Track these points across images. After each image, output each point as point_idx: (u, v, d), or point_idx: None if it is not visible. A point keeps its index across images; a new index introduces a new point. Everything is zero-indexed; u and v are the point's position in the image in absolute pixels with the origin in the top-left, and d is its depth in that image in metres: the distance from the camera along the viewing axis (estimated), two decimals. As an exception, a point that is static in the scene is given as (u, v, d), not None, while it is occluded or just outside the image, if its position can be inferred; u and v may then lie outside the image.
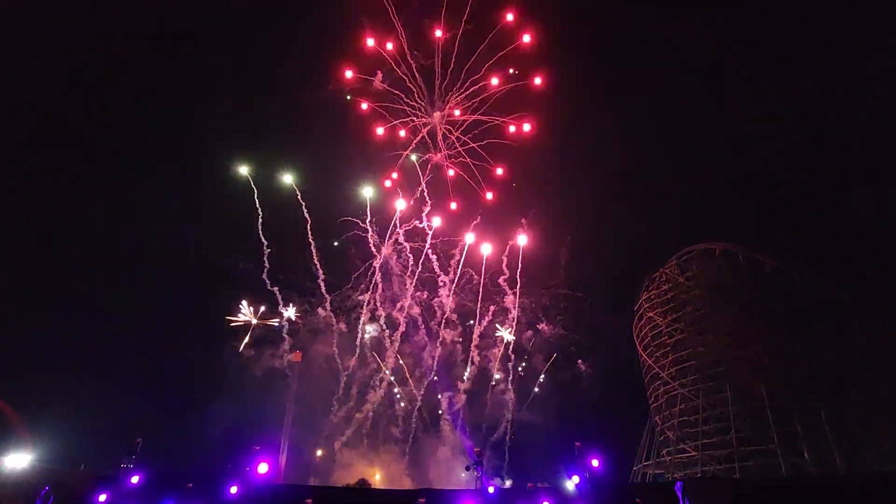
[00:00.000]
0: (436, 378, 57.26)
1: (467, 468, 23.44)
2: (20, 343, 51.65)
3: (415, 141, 58.34)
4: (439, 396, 57.85)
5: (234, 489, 24.61)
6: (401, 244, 57.89)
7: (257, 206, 55.34)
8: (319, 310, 57.74)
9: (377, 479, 53.03)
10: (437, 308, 58.62)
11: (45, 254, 57.69)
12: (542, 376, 60.18)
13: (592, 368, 58.42)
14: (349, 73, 55.86)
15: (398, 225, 57.41)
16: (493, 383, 58.00)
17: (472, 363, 56.84)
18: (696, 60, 64.74)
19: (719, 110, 65.65)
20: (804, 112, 60.29)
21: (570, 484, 22.31)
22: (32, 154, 57.04)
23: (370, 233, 57.23)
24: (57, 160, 57.89)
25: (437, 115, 57.82)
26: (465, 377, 57.25)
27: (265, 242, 55.42)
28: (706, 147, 66.23)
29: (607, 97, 64.72)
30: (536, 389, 59.52)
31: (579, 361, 57.81)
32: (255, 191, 55.52)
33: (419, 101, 57.46)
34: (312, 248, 56.16)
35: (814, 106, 59.20)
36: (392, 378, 58.10)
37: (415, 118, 58.05)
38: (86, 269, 57.82)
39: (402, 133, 58.50)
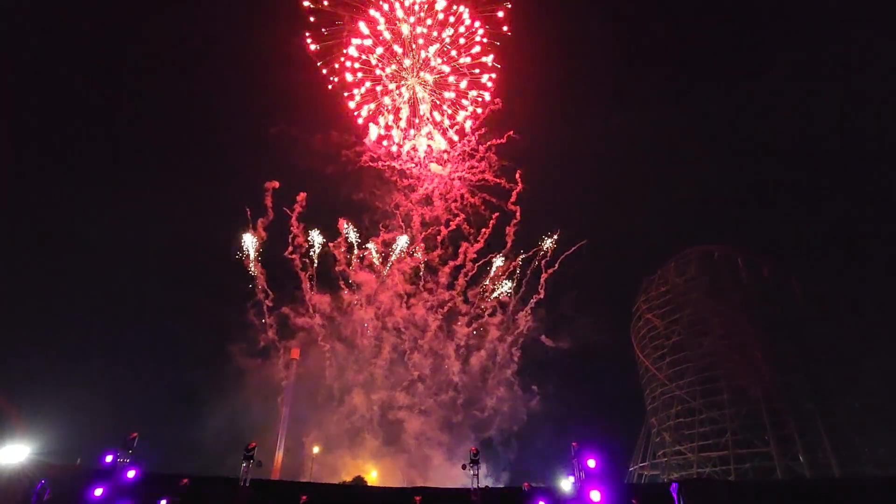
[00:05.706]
0: (429, 375, 57.36)
1: (464, 467, 23.37)
2: (20, 338, 51.79)
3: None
4: (433, 397, 57.84)
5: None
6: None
7: (254, 228, 56.31)
8: (315, 314, 57.83)
9: (373, 476, 53.04)
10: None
11: (49, 252, 58.03)
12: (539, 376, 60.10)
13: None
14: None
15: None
16: (490, 383, 58.00)
17: (459, 370, 56.88)
18: (696, 65, 65.06)
19: (718, 112, 65.97)
20: (802, 116, 60.61)
21: (566, 484, 22.36)
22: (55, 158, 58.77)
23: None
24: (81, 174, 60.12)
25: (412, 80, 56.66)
26: (459, 375, 57.29)
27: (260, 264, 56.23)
28: (704, 150, 66.53)
29: (606, 101, 65.01)
30: (533, 389, 59.49)
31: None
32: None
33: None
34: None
35: (812, 110, 59.51)
36: (385, 376, 58.09)
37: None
38: (88, 270, 58.24)
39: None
